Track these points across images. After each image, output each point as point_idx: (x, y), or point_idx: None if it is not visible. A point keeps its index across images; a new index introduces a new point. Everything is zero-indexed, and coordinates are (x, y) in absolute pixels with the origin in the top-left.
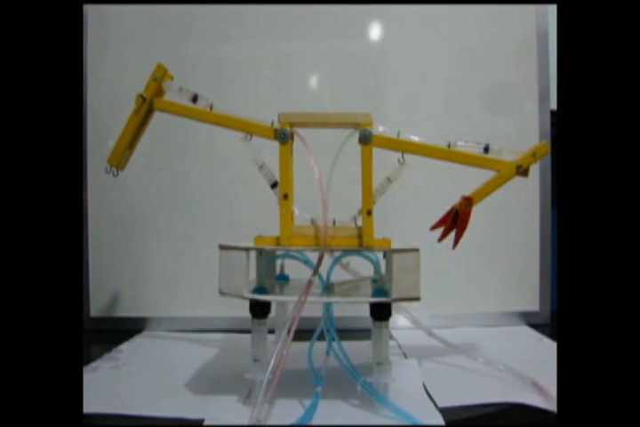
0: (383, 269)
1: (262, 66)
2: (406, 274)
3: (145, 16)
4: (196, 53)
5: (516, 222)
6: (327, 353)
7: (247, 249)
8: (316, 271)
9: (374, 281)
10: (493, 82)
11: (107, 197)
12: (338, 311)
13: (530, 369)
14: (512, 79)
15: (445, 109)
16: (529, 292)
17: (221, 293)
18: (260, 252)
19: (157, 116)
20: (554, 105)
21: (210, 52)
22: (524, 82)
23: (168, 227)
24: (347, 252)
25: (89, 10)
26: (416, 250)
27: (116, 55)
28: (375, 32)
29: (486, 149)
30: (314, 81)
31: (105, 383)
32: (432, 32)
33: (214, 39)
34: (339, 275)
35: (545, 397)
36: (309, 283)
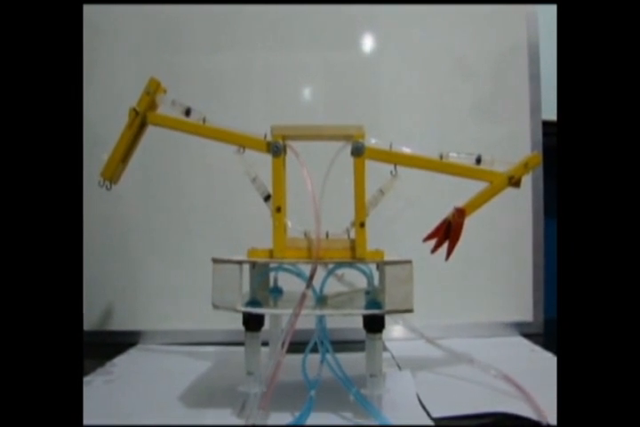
0: (376, 281)
1: (255, 77)
2: (399, 286)
3: (138, 28)
4: (189, 65)
5: (509, 232)
6: (321, 362)
7: (240, 262)
8: (309, 284)
9: (368, 293)
10: (485, 92)
11: (100, 210)
12: (331, 323)
13: (523, 379)
14: (503, 90)
15: (438, 120)
16: (522, 302)
17: (215, 306)
18: (254, 265)
19: (151, 129)
20: (545, 115)
21: (203, 64)
22: (516, 92)
23: (161, 239)
24: (340, 264)
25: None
26: (409, 262)
27: (108, 67)
28: (367, 43)
29: (478, 160)
30: (307, 92)
31: (99, 397)
32: (424, 43)
33: (207, 51)
34: (333, 286)
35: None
36: (303, 296)
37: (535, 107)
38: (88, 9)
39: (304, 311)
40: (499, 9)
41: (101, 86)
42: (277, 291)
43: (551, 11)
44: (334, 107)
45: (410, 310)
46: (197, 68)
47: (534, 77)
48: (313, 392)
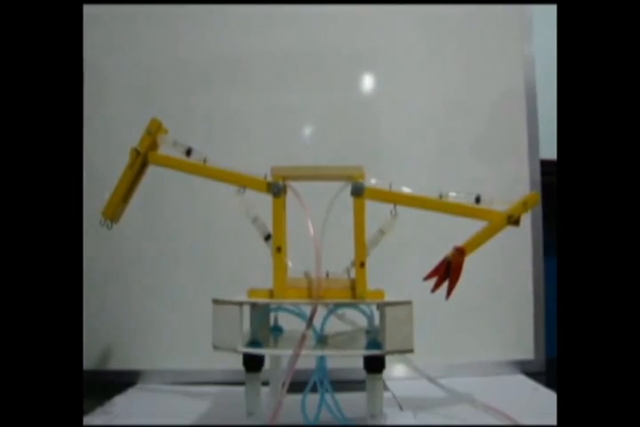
0: (377, 320)
1: (256, 119)
2: (399, 327)
3: (140, 70)
4: (190, 107)
5: (509, 271)
6: (320, 403)
7: (240, 303)
8: (309, 325)
9: (368, 332)
10: (483, 133)
11: (99, 249)
12: (332, 363)
13: (526, 419)
14: (501, 130)
15: (437, 161)
16: (523, 340)
17: (215, 347)
18: (254, 305)
19: (153, 169)
20: (543, 155)
21: (204, 105)
22: (514, 132)
23: (161, 279)
24: (340, 305)
25: (86, 62)
26: (409, 302)
27: (111, 106)
28: (367, 84)
29: (477, 200)
30: (308, 133)
31: None
32: (423, 85)
33: (209, 92)
34: (334, 324)
35: None
36: (302, 337)
37: (533, 146)
38: (91, 52)
39: (304, 352)
40: (497, 52)
41: (105, 128)
42: (278, 330)
43: (548, 53)
44: (334, 147)
45: (410, 351)
46: (198, 110)
47: (532, 117)
48: None
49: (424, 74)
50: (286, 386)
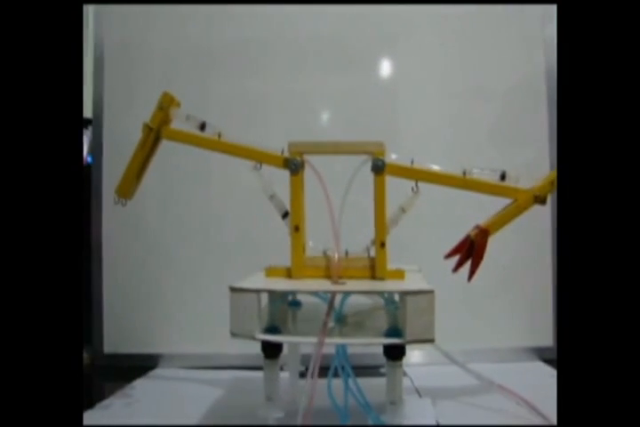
0: (396, 297)
1: (276, 101)
2: (420, 316)
3: (164, 54)
4: (210, 88)
5: (528, 255)
6: (345, 388)
7: (258, 291)
8: (329, 313)
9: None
10: (504, 118)
11: (120, 232)
12: (351, 348)
13: (545, 407)
14: (522, 115)
15: (456, 147)
16: (542, 327)
17: (233, 334)
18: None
19: (170, 147)
20: None
21: (224, 87)
22: (535, 117)
23: (181, 263)
24: (360, 293)
25: (104, 42)
26: (431, 291)
27: (136, 87)
28: (387, 67)
29: (503, 177)
30: (326, 116)
31: (117, 420)
32: (442, 68)
33: (229, 74)
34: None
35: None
36: (324, 325)
37: (554, 131)
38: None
39: (325, 341)
40: (518, 36)
41: (131, 104)
42: (296, 303)
43: None
44: (353, 130)
45: (431, 340)
46: (218, 91)
47: (553, 102)
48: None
49: (443, 58)
50: (315, 376)
